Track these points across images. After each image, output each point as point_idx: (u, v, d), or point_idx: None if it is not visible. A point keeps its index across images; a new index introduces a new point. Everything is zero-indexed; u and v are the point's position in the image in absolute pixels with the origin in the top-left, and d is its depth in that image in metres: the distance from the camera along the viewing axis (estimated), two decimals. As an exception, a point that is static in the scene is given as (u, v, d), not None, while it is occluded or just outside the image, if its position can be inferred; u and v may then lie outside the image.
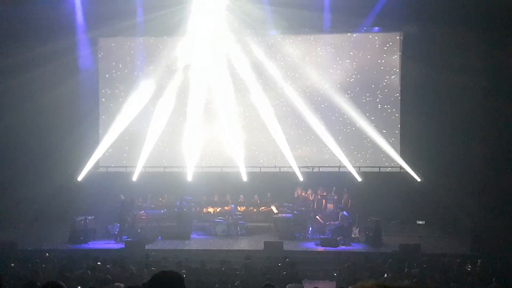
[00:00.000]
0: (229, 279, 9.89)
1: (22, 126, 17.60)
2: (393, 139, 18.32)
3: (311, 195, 17.27)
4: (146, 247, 14.55)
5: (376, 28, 18.44)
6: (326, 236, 15.46)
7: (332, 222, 16.07)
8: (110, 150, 18.71)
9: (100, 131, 19.03)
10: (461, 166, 15.70)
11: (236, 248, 14.87)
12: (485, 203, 14.41)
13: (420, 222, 17.44)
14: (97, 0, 17.77)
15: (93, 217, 16.24)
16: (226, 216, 16.92)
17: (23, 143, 17.59)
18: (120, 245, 14.96)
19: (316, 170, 18.44)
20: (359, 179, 17.82)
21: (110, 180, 18.06)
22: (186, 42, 18.08)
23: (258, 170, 18.63)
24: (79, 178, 18.08)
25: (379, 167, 18.36)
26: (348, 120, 18.35)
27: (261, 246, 14.40)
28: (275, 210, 17.47)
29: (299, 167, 18.16)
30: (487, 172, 14.44)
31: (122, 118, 18.48)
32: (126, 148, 18.95)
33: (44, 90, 17.31)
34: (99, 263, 11.13)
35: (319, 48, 18.74)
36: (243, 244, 15.55)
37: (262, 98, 18.33)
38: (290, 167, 18.11)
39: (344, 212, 15.72)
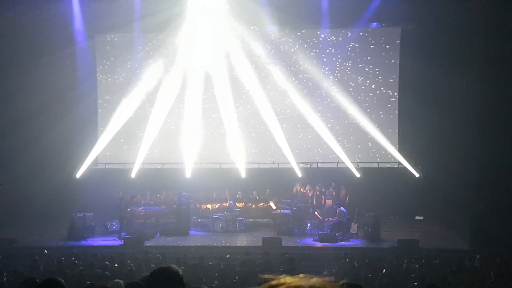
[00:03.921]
0: (228, 275, 9.90)
1: (21, 124, 17.55)
2: (391, 134, 18.32)
3: (310, 191, 17.28)
4: (145, 243, 14.56)
5: (375, 23, 18.42)
6: (324, 232, 15.48)
7: (330, 219, 16.10)
8: (108, 147, 18.67)
9: (98, 128, 19.01)
10: (460, 162, 15.69)
11: (234, 244, 14.88)
12: (483, 198, 14.42)
13: (419, 218, 17.48)
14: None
15: (91, 214, 16.25)
16: (225, 213, 16.92)
17: (21, 141, 17.54)
18: (119, 242, 14.97)
19: (314, 166, 18.45)
20: (358, 175, 17.83)
21: (109, 177, 18.05)
22: (185, 38, 18.02)
23: (256, 166, 18.63)
24: (78, 175, 18.06)
25: (378, 162, 18.37)
26: (347, 115, 18.35)
27: (259, 242, 14.40)
28: (273, 206, 17.49)
29: (298, 163, 18.16)
30: (486, 167, 14.45)
31: (120, 114, 18.44)
32: (125, 145, 18.93)
33: (42, 87, 17.29)
34: (97, 262, 11.12)
35: (317, 44, 18.71)
36: (242, 240, 15.56)
37: (260, 94, 18.30)
38: (289, 163, 18.10)
39: (342, 208, 15.74)
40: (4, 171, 17.43)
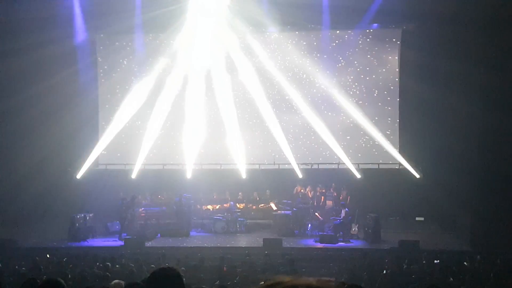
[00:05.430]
0: (228, 276, 9.89)
1: (21, 124, 17.56)
2: (392, 136, 18.31)
3: (310, 192, 17.29)
4: (146, 244, 14.56)
5: (375, 24, 18.40)
6: (325, 233, 15.47)
7: (335, 218, 16.02)
8: (109, 148, 18.68)
9: (99, 129, 19.02)
10: (460, 163, 15.69)
11: (235, 245, 14.87)
12: (484, 199, 14.42)
13: (419, 219, 17.46)
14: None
15: (92, 214, 16.27)
16: (225, 213, 16.94)
17: (22, 141, 17.55)
18: (120, 242, 14.98)
19: (315, 167, 18.43)
20: (358, 175, 17.82)
21: (110, 178, 18.04)
22: (185, 39, 18.03)
23: (257, 167, 18.61)
24: (79, 176, 18.06)
25: (378, 163, 18.35)
26: (347, 116, 18.33)
27: (260, 243, 14.42)
28: (274, 207, 17.49)
29: (298, 164, 18.14)
30: (486, 169, 14.45)
31: (121, 115, 18.44)
32: (125, 145, 18.92)
33: (43, 88, 17.26)
34: (98, 262, 11.12)
35: (318, 45, 18.71)
36: (242, 241, 15.57)
37: (261, 94, 18.29)
38: (289, 164, 18.09)
39: (347, 208, 15.75)
40: (5, 172, 17.43)
